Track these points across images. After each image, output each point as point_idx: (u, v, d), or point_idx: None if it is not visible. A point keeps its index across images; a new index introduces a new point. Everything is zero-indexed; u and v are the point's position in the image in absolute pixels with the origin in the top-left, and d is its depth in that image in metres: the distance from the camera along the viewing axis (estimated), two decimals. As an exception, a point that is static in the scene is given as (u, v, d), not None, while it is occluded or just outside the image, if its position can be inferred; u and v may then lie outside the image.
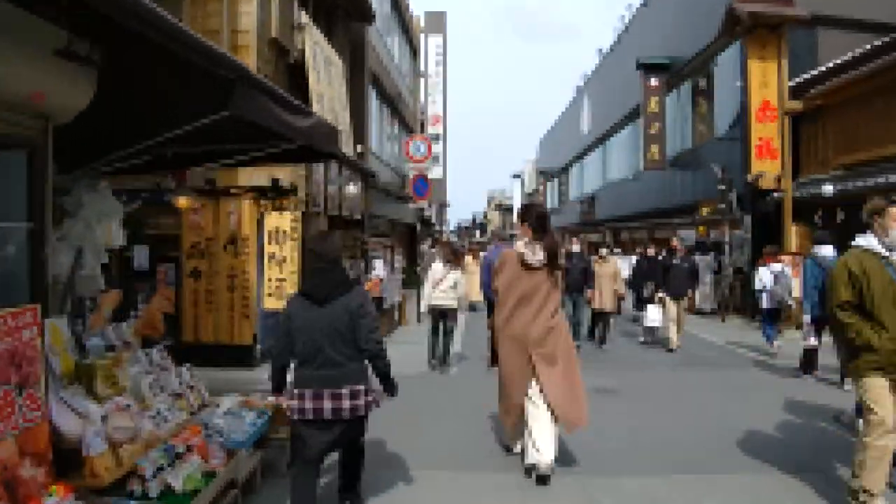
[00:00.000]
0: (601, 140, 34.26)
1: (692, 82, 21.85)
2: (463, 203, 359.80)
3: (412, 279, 28.66)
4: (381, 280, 12.85)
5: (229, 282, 9.27)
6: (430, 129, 27.70)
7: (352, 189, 13.71)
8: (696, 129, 21.88)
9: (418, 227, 19.44)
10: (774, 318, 10.95)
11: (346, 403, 3.86)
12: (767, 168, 14.42)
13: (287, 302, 4.08)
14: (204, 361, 6.54)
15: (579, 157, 40.42)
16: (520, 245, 4.98)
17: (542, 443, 4.75)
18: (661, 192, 23.57)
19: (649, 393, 8.42)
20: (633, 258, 15.84)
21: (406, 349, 11.52)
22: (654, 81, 22.56)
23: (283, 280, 9.11)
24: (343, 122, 13.15)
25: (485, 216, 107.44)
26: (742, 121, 16.49)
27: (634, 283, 14.44)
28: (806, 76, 14.97)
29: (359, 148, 14.39)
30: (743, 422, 6.66)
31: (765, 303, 10.81)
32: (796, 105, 14.51)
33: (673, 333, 11.43)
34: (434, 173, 27.30)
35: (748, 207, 16.22)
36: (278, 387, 4.05)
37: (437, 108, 27.85)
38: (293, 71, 11.47)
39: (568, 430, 5.06)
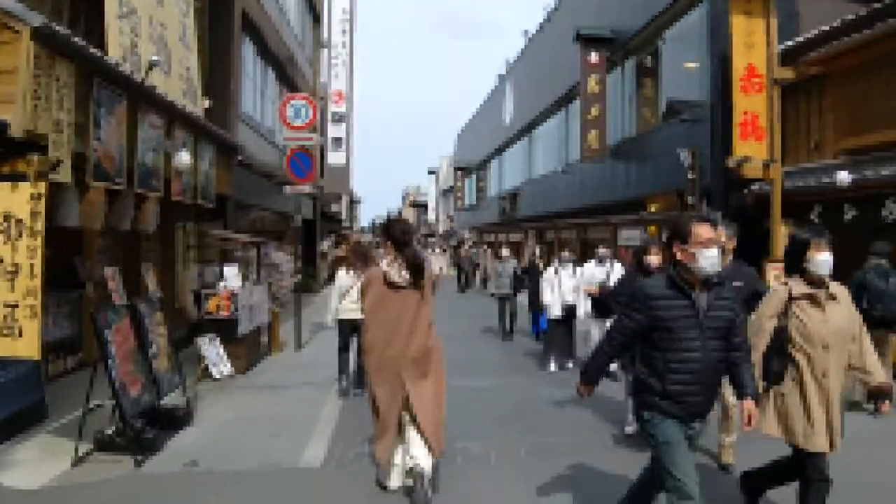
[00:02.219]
0: (525, 131, 31.03)
1: (636, 60, 18.75)
2: (377, 199, 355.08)
3: (308, 284, 24.71)
4: (233, 294, 8.87)
5: None
6: (333, 108, 23.66)
7: (203, 165, 9.64)
8: (642, 113, 18.77)
9: (318, 223, 15.60)
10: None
11: None
12: (753, 151, 11.22)
13: None
14: None
15: (500, 150, 37.19)
16: (384, 264, 4.85)
17: (417, 450, 4.69)
18: (598, 186, 20.37)
19: None
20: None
21: (271, 398, 7.69)
22: (594, 57, 19.28)
23: (15, 306, 5.21)
24: (181, 61, 9.11)
25: (399, 213, 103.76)
26: (714, 95, 13.38)
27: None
28: (799, 39, 11.87)
29: (206, 102, 10.31)
30: None
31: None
32: (787, 73, 11.40)
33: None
34: (336, 159, 23.32)
35: (717, 202, 13.06)
36: None
37: (342, 83, 23.84)
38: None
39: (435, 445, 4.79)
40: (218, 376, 8.73)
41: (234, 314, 8.85)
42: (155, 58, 7.57)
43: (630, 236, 18.35)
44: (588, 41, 19.26)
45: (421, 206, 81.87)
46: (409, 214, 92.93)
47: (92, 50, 6.22)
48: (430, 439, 4.70)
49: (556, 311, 9.63)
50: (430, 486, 4.75)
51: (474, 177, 46.25)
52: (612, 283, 8.30)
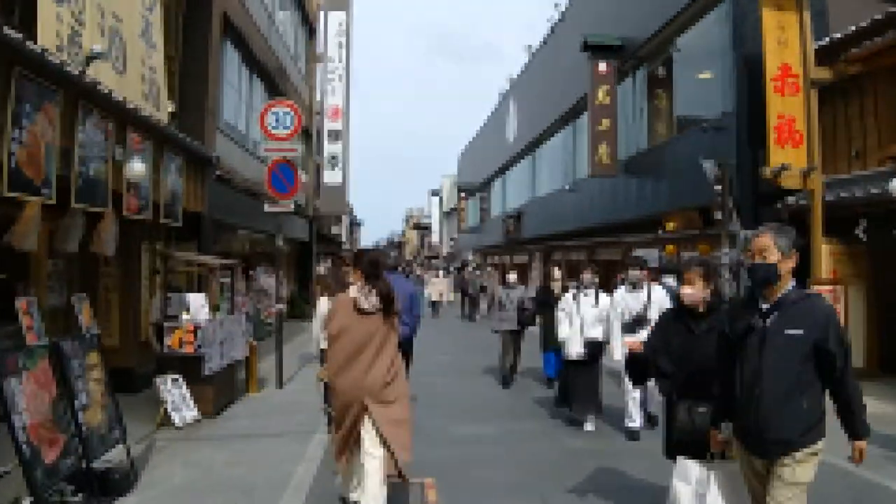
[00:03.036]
0: (530, 148, 29.95)
1: (648, 69, 17.64)
2: (380, 222, 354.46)
3: (302, 310, 23.46)
4: (197, 328, 7.63)
5: None
6: (329, 125, 22.51)
7: (167, 177, 8.46)
8: (654, 126, 17.64)
9: (314, 245, 14.40)
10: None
11: None
12: (790, 159, 10.01)
13: None
14: None
15: (503, 169, 36.11)
16: (353, 290, 4.83)
17: (374, 491, 4.64)
18: (608, 203, 19.17)
19: None
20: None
21: (237, 452, 6.40)
22: (603, 67, 18.15)
23: None
24: (143, 60, 7.95)
25: (402, 235, 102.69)
26: (739, 102, 12.21)
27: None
28: (836, 36, 10.70)
29: (171, 106, 9.14)
30: None
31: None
32: (824, 73, 10.23)
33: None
34: (332, 178, 22.15)
35: (747, 219, 11.82)
36: None
37: (338, 98, 22.71)
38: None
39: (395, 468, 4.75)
40: (180, 424, 7.47)
41: (199, 351, 7.59)
42: (97, 47, 6.38)
43: (645, 256, 17.08)
44: (596, 50, 18.16)
45: (424, 229, 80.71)
46: (413, 237, 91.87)
47: (10, 33, 5.05)
48: (395, 452, 4.70)
49: (574, 350, 7.58)
50: None
51: (477, 197, 45.10)
52: (650, 316, 7.01)
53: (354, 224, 64.08)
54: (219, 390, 8.20)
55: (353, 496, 4.95)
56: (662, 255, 16.05)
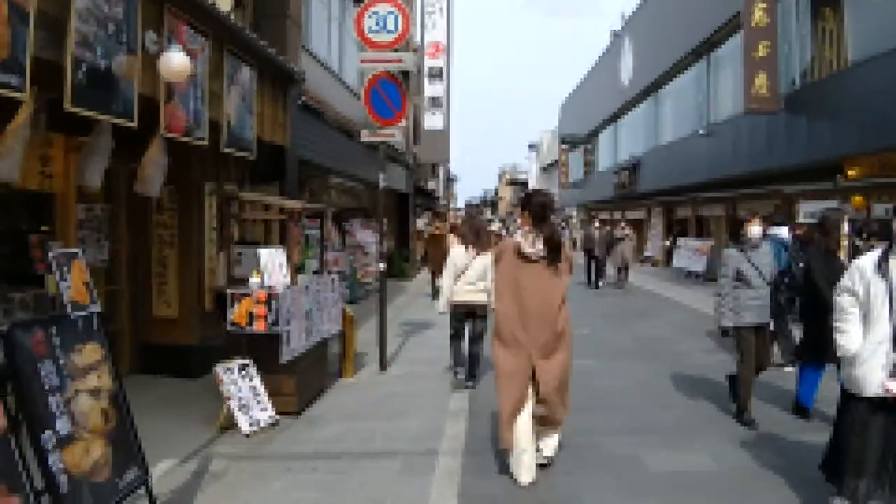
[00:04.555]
0: (649, 91, 26.64)
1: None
2: (473, 180, 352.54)
3: (402, 269, 21.40)
4: (272, 296, 5.46)
5: None
6: (429, 62, 20.12)
7: (231, 90, 6.28)
8: (821, 53, 14.34)
9: (411, 198, 12.21)
10: None
11: None
12: None
13: None
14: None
15: (615, 116, 32.85)
16: (518, 235, 4.69)
17: (543, 444, 4.73)
18: (759, 148, 15.94)
19: None
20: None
21: (319, 490, 4.13)
22: (761, -21, 14.91)
23: None
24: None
25: (496, 193, 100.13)
26: None
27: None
28: None
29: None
30: None
31: None
32: None
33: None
34: (432, 122, 19.80)
35: None
36: None
37: (439, 34, 20.25)
38: None
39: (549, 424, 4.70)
40: (248, 430, 5.37)
41: (274, 328, 5.43)
42: None
43: (815, 211, 14.00)
44: (752, -41, 14.87)
45: (520, 185, 77.76)
46: (507, 193, 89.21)
47: None
48: (553, 404, 4.55)
49: (872, 382, 3.71)
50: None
51: (581, 150, 41.87)
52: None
53: (450, 179, 61.88)
54: (303, 380, 6.05)
55: (524, 479, 4.51)
56: (844, 207, 12.96)
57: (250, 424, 5.45)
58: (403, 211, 21.74)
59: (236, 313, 5.47)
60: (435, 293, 14.25)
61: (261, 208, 7.14)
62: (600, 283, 18.81)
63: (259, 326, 5.44)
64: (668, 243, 26.05)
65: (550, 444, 4.78)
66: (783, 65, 14.99)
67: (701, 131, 19.96)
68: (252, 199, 6.65)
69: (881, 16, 12.41)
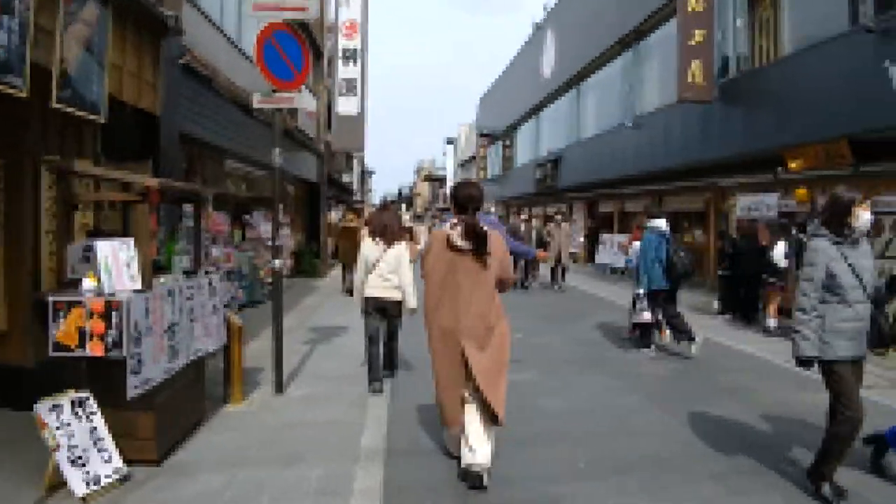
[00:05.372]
0: (572, 83, 25.87)
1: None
2: (389, 175, 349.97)
3: (311, 265, 19.76)
4: (112, 307, 3.95)
5: None
6: (344, 43, 18.55)
7: (71, 28, 4.70)
8: (758, 41, 13.71)
9: (323, 188, 10.72)
10: None
11: None
12: None
13: None
14: None
15: (536, 109, 32.07)
16: (447, 226, 4.50)
17: (475, 441, 4.29)
18: (692, 140, 15.19)
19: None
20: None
21: None
22: (697, -36, 14.14)
23: None
24: None
25: (412, 188, 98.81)
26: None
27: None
28: None
29: None
30: None
31: None
32: None
33: None
34: (346, 106, 18.26)
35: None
36: None
37: (354, 11, 18.70)
38: None
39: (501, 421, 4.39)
40: (83, 492, 3.86)
41: (117, 352, 3.94)
42: None
43: (754, 205, 13.31)
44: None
45: (437, 180, 76.73)
46: (424, 189, 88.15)
47: None
48: (492, 404, 4.31)
49: None
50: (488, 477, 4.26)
51: (500, 144, 41.03)
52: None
53: (367, 173, 60.18)
54: (166, 416, 4.55)
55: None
56: (784, 202, 12.29)
57: (87, 483, 3.94)
58: (314, 203, 20.07)
59: (62, 330, 3.94)
60: (348, 290, 12.97)
61: (119, 189, 5.56)
62: (530, 283, 17.08)
63: (94, 349, 3.93)
64: (581, 240, 25.51)
65: (483, 452, 4.27)
66: (718, 53, 14.29)
67: (628, 123, 19.23)
68: (95, 175, 5.05)
69: (818, 3, 11.82)
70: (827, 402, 4.19)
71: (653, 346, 8.61)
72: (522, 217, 17.76)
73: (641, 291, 8.48)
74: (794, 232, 10.71)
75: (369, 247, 6.59)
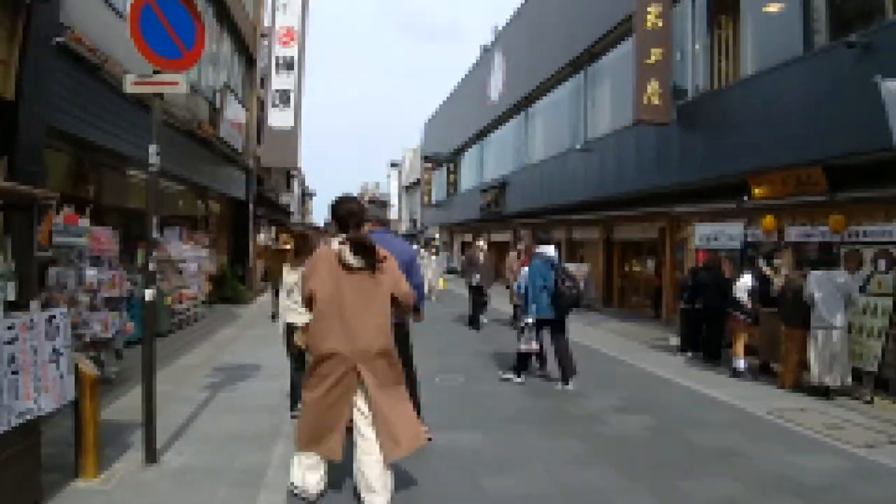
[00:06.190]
0: (520, 106, 25.04)
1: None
2: (332, 197, 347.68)
3: (235, 290, 18.16)
4: None
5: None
6: (279, 51, 17.24)
7: None
8: (721, 62, 12.98)
9: (251, 207, 9.37)
10: None
11: None
12: None
13: None
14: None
15: (482, 134, 31.22)
16: (334, 243, 4.20)
17: (375, 481, 4.00)
18: (647, 164, 14.32)
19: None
20: None
21: None
22: (655, -22, 13.37)
23: None
24: None
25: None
26: None
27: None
28: None
29: None
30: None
31: None
32: None
33: None
34: (280, 120, 16.90)
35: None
36: None
37: (292, 18, 17.43)
38: None
39: (406, 450, 4.06)
40: None
41: None
42: None
43: (712, 234, 12.42)
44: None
45: (381, 205, 75.27)
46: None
47: None
48: (390, 431, 4.02)
49: None
50: None
51: (444, 169, 40.05)
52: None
53: (306, 194, 58.41)
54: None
55: (315, 488, 4.21)
56: (749, 232, 11.42)
57: None
58: (242, 222, 18.50)
59: None
60: (274, 314, 11.84)
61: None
62: (482, 320, 14.26)
63: None
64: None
65: (380, 479, 4.00)
66: (677, 74, 13.51)
67: (578, 147, 18.36)
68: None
69: (780, 24, 11.11)
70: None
71: (523, 376, 8.49)
72: (479, 244, 15.10)
73: (530, 320, 8.20)
74: (759, 263, 9.85)
75: (286, 271, 6.35)
